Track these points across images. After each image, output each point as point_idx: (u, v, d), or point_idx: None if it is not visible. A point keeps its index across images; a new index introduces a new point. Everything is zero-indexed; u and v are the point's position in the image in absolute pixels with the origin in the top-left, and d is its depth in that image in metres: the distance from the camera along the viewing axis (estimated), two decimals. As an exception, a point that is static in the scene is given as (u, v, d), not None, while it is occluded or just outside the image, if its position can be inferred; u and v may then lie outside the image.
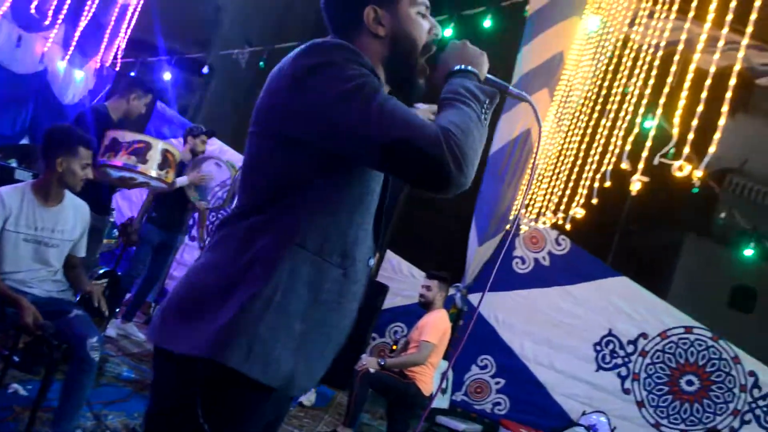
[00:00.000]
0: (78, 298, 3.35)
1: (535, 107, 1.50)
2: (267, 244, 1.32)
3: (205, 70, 9.33)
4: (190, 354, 1.28)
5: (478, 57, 1.47)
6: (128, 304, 5.69)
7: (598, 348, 6.18)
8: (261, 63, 8.01)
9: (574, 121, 5.55)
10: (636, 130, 4.03)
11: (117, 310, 5.42)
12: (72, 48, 7.57)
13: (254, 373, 1.28)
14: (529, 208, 5.83)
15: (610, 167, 4.19)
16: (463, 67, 1.43)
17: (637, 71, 4.37)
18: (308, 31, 12.48)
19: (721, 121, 3.14)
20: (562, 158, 5.56)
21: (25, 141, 7.26)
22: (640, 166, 3.63)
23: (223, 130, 8.20)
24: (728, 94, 3.10)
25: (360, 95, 1.26)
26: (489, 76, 1.49)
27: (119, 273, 5.12)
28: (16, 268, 3.10)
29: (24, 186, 3.19)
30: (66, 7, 7.15)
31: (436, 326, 4.66)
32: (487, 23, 6.98)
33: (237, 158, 7.13)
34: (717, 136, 3.07)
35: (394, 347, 5.27)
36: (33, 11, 6.76)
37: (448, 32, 6.93)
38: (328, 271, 1.37)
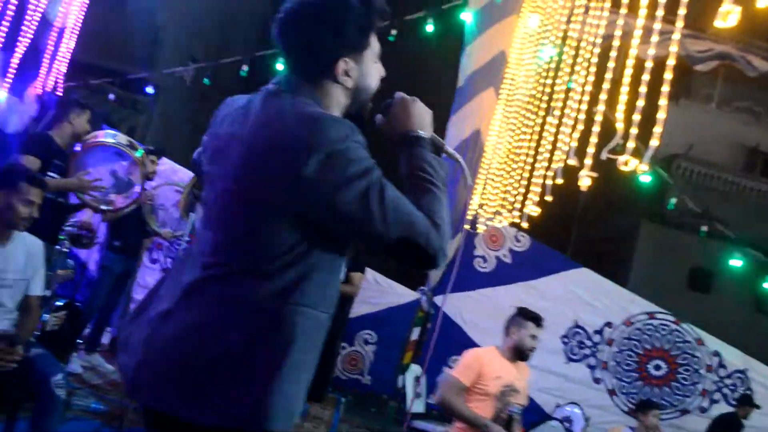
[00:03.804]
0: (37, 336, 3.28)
1: (464, 167, 1.71)
2: (277, 307, 1.41)
3: (150, 90, 9.20)
4: (228, 425, 1.36)
5: (427, 118, 1.60)
6: (89, 334, 5.57)
7: (566, 340, 6.28)
8: (206, 80, 7.93)
9: (521, 119, 5.64)
10: (581, 126, 4.12)
11: (80, 342, 5.31)
12: (11, 75, 7.37)
13: (285, 427, 1.41)
14: (485, 208, 5.91)
15: (561, 164, 4.27)
16: (420, 134, 1.56)
17: (577, 68, 4.47)
18: (251, 44, 12.42)
19: (661, 115, 3.24)
20: (512, 156, 5.64)
21: (-33, 175, 7.06)
22: (588, 161, 3.72)
23: (173, 149, 8.10)
24: (665, 88, 3.19)
25: (363, 185, 1.39)
26: (434, 136, 1.62)
27: (78, 304, 5.03)
28: (-30, 310, 3.03)
29: (-30, 227, 3.11)
30: (0, 33, 6.97)
31: None
32: (429, 27, 7.06)
33: (189, 176, 7.06)
34: (658, 129, 3.16)
35: None
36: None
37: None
38: (322, 320, 1.49)
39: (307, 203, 1.41)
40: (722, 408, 6.05)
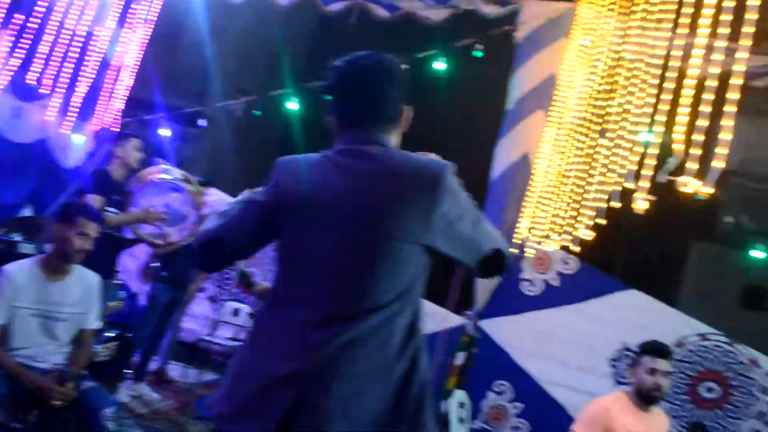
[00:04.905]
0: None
1: None
2: (417, 342, 1.67)
3: (202, 122, 9.37)
4: None
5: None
6: (137, 363, 5.62)
7: (615, 364, 6.07)
8: (257, 112, 8.05)
9: (572, 141, 5.54)
10: (637, 147, 4.01)
11: (128, 371, 5.36)
12: (71, 114, 7.62)
13: None
14: (533, 231, 5.79)
15: (618, 188, 4.14)
16: None
17: (633, 89, 4.37)
18: (298, 75, 12.60)
19: (726, 135, 3.11)
20: (562, 179, 5.53)
21: (27, 211, 7.27)
22: (646, 184, 3.59)
23: (222, 179, 8.19)
24: (729, 108, 3.07)
25: (474, 212, 1.72)
26: None
27: (129, 335, 5.08)
28: (25, 344, 3.09)
29: (30, 261, 3.19)
30: (63, 75, 7.23)
31: None
32: (478, 52, 7.02)
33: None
34: (722, 150, 3.03)
35: None
36: (32, 82, 6.82)
37: (441, 66, 7.02)
38: None
39: (439, 234, 1.65)
40: (777, 431, 5.74)
